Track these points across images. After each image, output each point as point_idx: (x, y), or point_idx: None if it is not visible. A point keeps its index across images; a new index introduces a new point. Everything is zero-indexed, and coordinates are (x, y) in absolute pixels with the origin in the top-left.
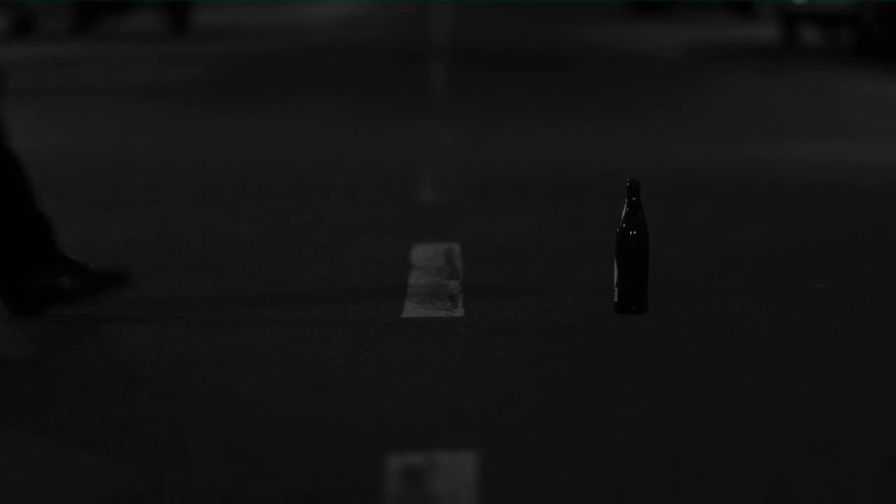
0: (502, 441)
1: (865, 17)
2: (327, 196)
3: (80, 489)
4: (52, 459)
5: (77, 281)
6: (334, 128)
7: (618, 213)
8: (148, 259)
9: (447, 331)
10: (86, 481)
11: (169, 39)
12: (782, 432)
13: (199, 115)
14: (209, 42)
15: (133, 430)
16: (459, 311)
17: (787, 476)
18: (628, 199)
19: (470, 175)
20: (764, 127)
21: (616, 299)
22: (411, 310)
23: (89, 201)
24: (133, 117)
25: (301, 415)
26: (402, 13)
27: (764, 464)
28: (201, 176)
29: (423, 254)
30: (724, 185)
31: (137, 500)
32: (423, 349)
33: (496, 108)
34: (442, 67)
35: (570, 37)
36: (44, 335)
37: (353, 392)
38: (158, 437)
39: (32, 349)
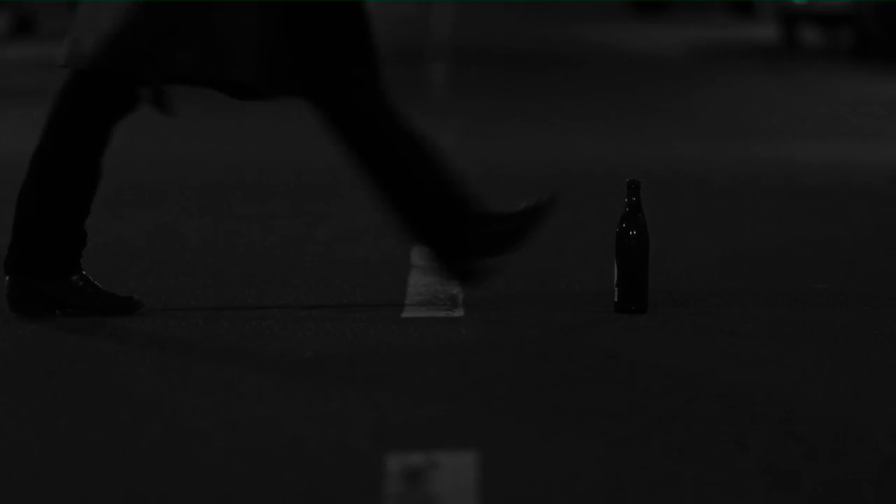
0: (502, 441)
1: (865, 17)
2: (327, 196)
3: (81, 489)
4: (52, 459)
5: (81, 300)
6: None
7: (618, 213)
8: (148, 259)
9: (447, 331)
10: (86, 481)
11: None
12: (782, 432)
13: (198, 115)
14: None
15: (133, 430)
16: (459, 311)
17: (787, 476)
18: (628, 198)
19: (470, 175)
20: (764, 127)
21: (616, 299)
22: (411, 310)
23: None
24: (133, 117)
25: (301, 415)
26: (402, 13)
27: (764, 464)
28: (201, 176)
29: (424, 254)
30: (724, 185)
31: (137, 499)
32: (423, 349)
33: (496, 108)
34: (442, 67)
35: (570, 36)
36: (44, 335)
37: (353, 392)
38: (158, 436)
39: (32, 349)
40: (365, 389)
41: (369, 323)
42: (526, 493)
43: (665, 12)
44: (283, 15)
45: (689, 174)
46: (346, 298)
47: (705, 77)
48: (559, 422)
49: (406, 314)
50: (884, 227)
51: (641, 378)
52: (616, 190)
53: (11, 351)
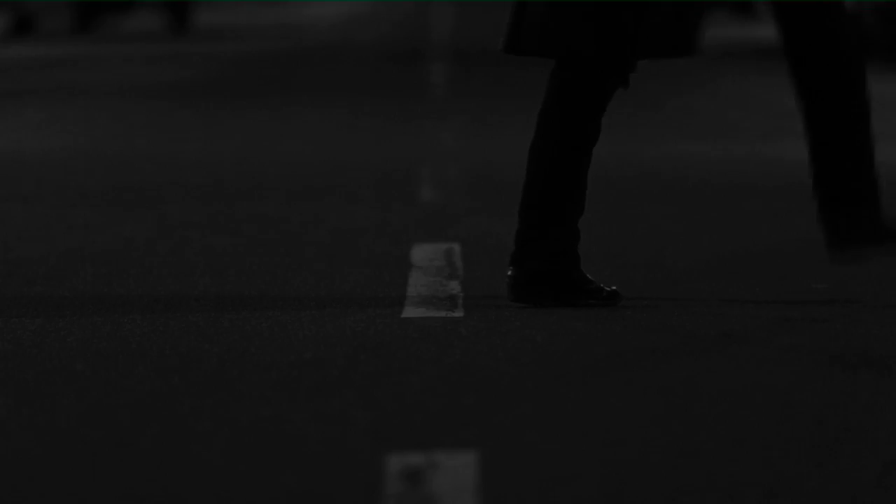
0: (502, 441)
1: (865, 17)
2: (327, 196)
3: (81, 489)
4: (51, 459)
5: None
6: (334, 127)
7: (617, 213)
8: (148, 259)
9: (447, 331)
10: (86, 481)
11: (169, 39)
12: (782, 432)
13: (198, 115)
14: (209, 42)
15: (133, 430)
16: (459, 312)
17: (787, 476)
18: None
19: (470, 175)
20: (763, 127)
21: None
22: (411, 310)
23: (89, 201)
24: (133, 117)
25: (301, 415)
26: (402, 13)
27: (764, 464)
28: (201, 176)
29: (423, 254)
30: (724, 185)
31: (137, 500)
32: (423, 349)
33: (496, 108)
34: (442, 67)
35: None
36: (44, 335)
37: (353, 392)
38: (159, 436)
39: (32, 349)
40: (365, 389)
41: (369, 323)
42: (526, 493)
43: None
44: None
45: (689, 174)
46: (346, 298)
47: (705, 77)
48: (559, 422)
49: (406, 314)
50: None
51: (641, 378)
52: (615, 190)
53: (11, 351)
